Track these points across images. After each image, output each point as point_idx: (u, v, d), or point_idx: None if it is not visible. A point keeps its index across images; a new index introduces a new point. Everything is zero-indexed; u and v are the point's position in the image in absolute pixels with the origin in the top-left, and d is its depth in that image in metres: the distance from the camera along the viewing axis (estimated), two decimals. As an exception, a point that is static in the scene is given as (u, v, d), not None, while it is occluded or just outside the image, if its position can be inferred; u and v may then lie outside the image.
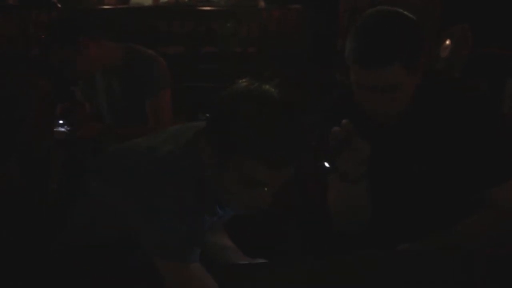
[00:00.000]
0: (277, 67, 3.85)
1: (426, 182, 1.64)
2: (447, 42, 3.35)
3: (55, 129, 2.48)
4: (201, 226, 1.48)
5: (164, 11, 4.08)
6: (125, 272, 1.61)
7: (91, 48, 2.35)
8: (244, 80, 1.40)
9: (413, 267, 1.31)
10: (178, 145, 1.48)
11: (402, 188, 1.67)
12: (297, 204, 2.89)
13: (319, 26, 3.87)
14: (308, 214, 2.41)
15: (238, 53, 4.03)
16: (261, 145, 1.32)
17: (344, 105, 1.68)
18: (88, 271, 1.58)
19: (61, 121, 2.50)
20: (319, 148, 1.62)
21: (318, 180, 1.92)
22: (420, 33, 1.57)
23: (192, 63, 3.91)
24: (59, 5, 3.62)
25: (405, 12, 1.59)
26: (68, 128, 2.48)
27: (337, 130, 1.50)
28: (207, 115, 1.44)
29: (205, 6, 4.12)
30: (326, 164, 1.51)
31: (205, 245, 1.62)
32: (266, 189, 1.39)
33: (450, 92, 1.63)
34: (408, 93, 1.57)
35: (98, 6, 4.03)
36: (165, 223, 1.43)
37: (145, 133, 2.23)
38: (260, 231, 1.94)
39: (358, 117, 1.58)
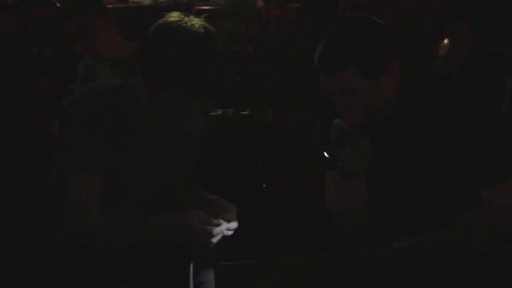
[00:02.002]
0: (276, 66, 3.85)
1: (419, 181, 1.65)
2: (446, 40, 3.35)
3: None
4: (115, 145, 1.54)
5: (163, 10, 4.08)
6: (123, 271, 1.61)
7: (110, 29, 2.41)
8: (172, 14, 1.50)
9: (408, 263, 1.32)
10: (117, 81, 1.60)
11: (395, 187, 1.68)
12: (296, 201, 2.90)
13: (319, 24, 3.86)
14: (307, 212, 2.41)
15: (237, 52, 4.02)
16: (188, 77, 1.42)
17: None
18: (87, 270, 1.58)
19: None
20: (319, 143, 1.62)
21: (316, 178, 1.92)
22: (387, 41, 1.56)
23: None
24: (58, 4, 3.61)
25: (375, 20, 1.59)
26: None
27: (339, 122, 1.51)
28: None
29: (204, 5, 4.11)
30: (326, 154, 1.52)
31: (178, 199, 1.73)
32: (194, 117, 1.50)
33: (445, 93, 1.62)
34: (371, 99, 1.57)
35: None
36: (77, 133, 1.51)
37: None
38: (259, 228, 1.94)
39: None
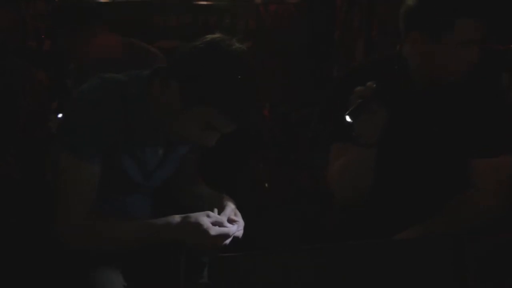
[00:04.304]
0: (274, 61, 3.85)
1: (426, 156, 1.71)
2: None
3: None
4: (114, 137, 1.54)
5: (161, 5, 4.07)
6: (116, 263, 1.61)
7: (99, 38, 2.37)
8: (216, 35, 1.51)
9: (406, 255, 1.33)
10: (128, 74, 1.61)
11: (404, 159, 1.73)
12: (292, 193, 2.90)
13: (317, 19, 3.87)
14: (303, 202, 2.42)
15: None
16: (231, 100, 1.45)
17: (373, 72, 1.71)
18: (85, 267, 1.58)
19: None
20: (338, 109, 1.64)
21: (311, 172, 1.92)
22: None
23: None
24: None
25: None
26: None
27: (361, 89, 1.53)
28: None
29: (202, 0, 4.11)
30: (348, 118, 1.53)
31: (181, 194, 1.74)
32: (214, 133, 1.52)
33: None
34: None
35: None
36: (76, 117, 1.52)
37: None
38: (256, 222, 1.94)
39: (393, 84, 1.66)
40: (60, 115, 2.43)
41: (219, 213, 1.56)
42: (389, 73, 1.70)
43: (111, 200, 1.60)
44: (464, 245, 1.29)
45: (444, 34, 1.60)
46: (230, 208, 1.61)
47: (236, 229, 1.55)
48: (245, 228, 1.61)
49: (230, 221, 1.56)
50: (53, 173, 1.60)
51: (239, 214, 1.63)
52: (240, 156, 3.06)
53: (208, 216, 1.50)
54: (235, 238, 1.56)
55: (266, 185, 3.12)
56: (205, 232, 1.47)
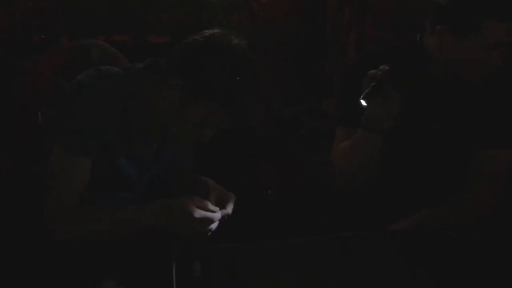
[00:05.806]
0: (266, 57, 3.85)
1: (434, 146, 1.72)
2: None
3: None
4: (110, 133, 1.53)
5: (153, 1, 4.06)
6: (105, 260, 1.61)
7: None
8: (215, 30, 1.51)
9: (398, 248, 1.34)
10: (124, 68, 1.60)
11: (412, 149, 1.73)
12: (286, 190, 2.91)
13: (310, 15, 3.88)
14: (299, 198, 2.42)
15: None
16: (233, 96, 1.45)
17: (386, 58, 1.68)
18: (83, 265, 1.58)
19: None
20: (348, 93, 1.62)
21: (306, 171, 1.93)
22: None
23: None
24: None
25: None
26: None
27: (374, 72, 1.53)
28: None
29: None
30: (363, 102, 1.53)
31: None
32: (211, 129, 1.52)
33: None
34: None
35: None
36: (70, 111, 1.50)
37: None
38: (252, 216, 1.95)
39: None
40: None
41: (205, 197, 1.55)
42: (405, 60, 1.69)
43: (105, 197, 1.60)
44: (456, 241, 1.30)
45: (471, 33, 1.59)
46: (214, 191, 1.61)
47: (221, 215, 1.53)
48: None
49: (217, 203, 1.56)
50: (46, 167, 1.59)
51: (227, 193, 1.62)
52: (236, 154, 3.06)
53: (192, 200, 1.50)
54: (226, 217, 1.55)
55: (261, 181, 3.13)
56: (189, 214, 1.47)
